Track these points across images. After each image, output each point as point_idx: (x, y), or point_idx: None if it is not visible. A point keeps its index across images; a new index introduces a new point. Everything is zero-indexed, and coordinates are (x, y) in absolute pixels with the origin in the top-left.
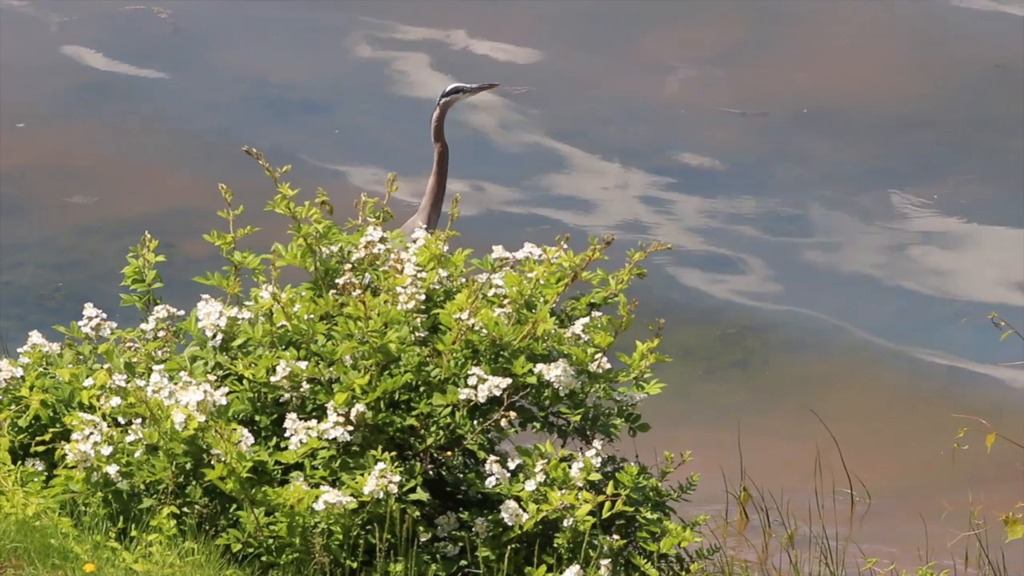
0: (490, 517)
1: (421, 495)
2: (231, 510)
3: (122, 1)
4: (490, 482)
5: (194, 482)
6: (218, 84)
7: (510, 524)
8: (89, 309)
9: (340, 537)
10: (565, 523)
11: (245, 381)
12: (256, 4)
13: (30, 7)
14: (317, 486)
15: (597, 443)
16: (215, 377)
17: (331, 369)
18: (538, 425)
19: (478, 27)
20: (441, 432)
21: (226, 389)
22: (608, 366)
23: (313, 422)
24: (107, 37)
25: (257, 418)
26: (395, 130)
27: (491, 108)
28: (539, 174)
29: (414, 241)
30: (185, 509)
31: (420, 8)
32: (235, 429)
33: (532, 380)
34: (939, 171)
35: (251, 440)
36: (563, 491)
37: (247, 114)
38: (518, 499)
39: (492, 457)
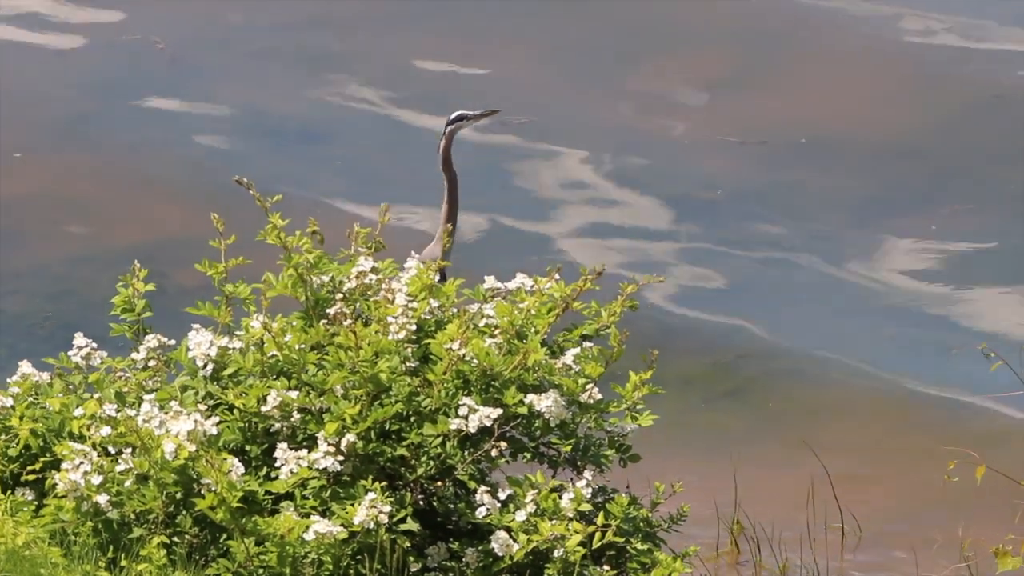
0: (480, 547)
1: (411, 525)
2: (221, 540)
3: (120, 31)
4: (480, 512)
5: (184, 512)
6: (215, 114)
7: (500, 554)
8: (79, 339)
9: (330, 567)
10: (555, 553)
11: (236, 411)
12: (254, 34)
13: (28, 36)
14: (307, 516)
15: (588, 474)
16: (206, 407)
17: (322, 399)
18: (529, 455)
19: (476, 57)
20: (432, 462)
21: (216, 419)
22: (599, 396)
23: (304, 452)
24: (104, 67)
25: (248, 448)
26: (396, 160)
27: (493, 138)
28: (529, 201)
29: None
30: (175, 539)
31: (420, 38)
32: (225, 459)
33: (523, 410)
34: (936, 201)
35: (241, 470)
36: (553, 521)
37: (244, 144)
38: (508, 529)
39: (483, 487)
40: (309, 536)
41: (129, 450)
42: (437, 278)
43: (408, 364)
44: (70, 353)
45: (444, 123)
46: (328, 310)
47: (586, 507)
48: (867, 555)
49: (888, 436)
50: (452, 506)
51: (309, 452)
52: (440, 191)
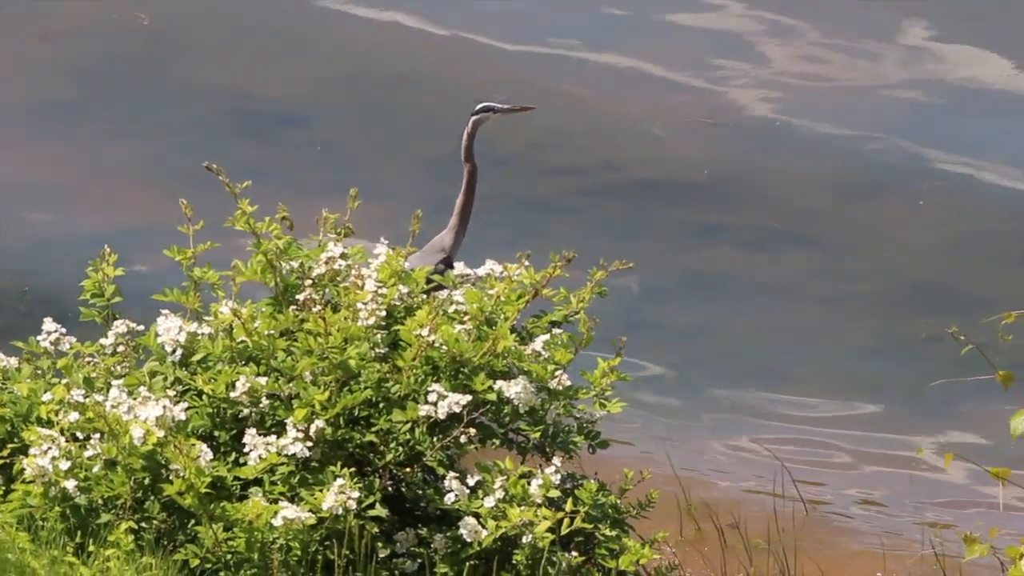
0: (449, 533)
1: (380, 511)
2: (189, 525)
3: (107, 9)
4: (449, 498)
5: (152, 497)
6: (194, 97)
7: (469, 540)
8: (48, 323)
9: (299, 553)
10: (524, 540)
11: (204, 396)
12: (241, 11)
13: (6, 17)
14: (276, 502)
15: (557, 460)
16: (174, 392)
17: (291, 385)
18: (498, 442)
19: (447, 36)
20: (400, 448)
21: (185, 404)
22: (568, 383)
23: (272, 438)
24: (82, 49)
25: (216, 433)
26: (376, 146)
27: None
28: (505, 188)
29: (446, 260)
30: (143, 524)
31: (401, 21)
32: (194, 444)
33: (492, 397)
34: (907, 182)
35: (210, 455)
36: (522, 508)
37: (223, 128)
38: (477, 515)
39: (451, 474)
40: (277, 522)
41: (97, 436)
42: (443, 268)
43: (377, 350)
44: (39, 338)
45: (468, 113)
46: (297, 296)
47: (555, 493)
48: (833, 539)
49: (861, 424)
50: (421, 492)
51: (278, 438)
52: (459, 180)
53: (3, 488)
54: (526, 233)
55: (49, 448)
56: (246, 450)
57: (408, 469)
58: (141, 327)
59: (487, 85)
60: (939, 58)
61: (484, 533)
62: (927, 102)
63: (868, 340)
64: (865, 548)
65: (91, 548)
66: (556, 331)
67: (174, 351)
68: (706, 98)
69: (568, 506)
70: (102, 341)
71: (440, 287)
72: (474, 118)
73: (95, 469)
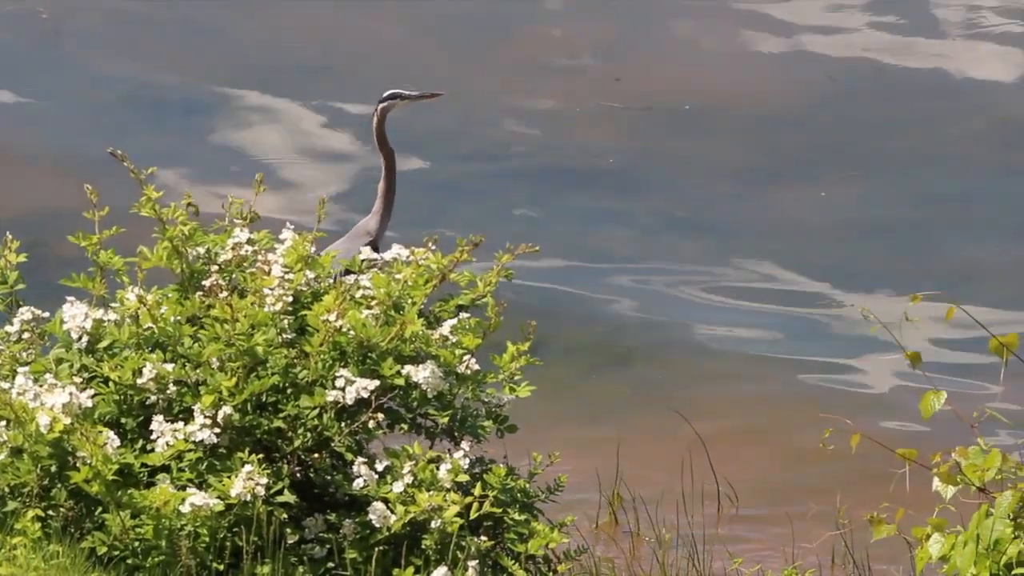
0: (358, 519)
1: (288, 497)
2: (97, 513)
3: (3, 2)
4: (358, 484)
5: (59, 485)
6: (98, 85)
7: (378, 526)
8: None
9: (207, 539)
10: (433, 524)
11: (111, 383)
12: (141, 4)
13: None
14: (184, 488)
15: (465, 444)
16: (81, 379)
17: (198, 371)
18: (406, 427)
19: (350, 29)
20: (309, 434)
21: (92, 391)
22: (476, 367)
23: (180, 424)
24: None
25: (123, 420)
26: (279, 134)
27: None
28: (413, 172)
29: (371, 244)
30: (50, 512)
31: (297, 11)
32: (101, 431)
33: (400, 382)
34: (820, 168)
35: (117, 442)
36: (431, 493)
37: (129, 116)
38: (386, 501)
39: (360, 459)
40: (185, 508)
41: (3, 423)
42: (369, 251)
43: (284, 336)
44: None
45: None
46: (204, 282)
47: (463, 478)
48: (744, 524)
49: (767, 405)
50: (329, 478)
51: (185, 424)
52: (378, 168)
53: None
54: (433, 217)
55: None
56: (153, 437)
57: (316, 455)
58: (46, 314)
59: (398, 72)
60: (866, 45)
61: (393, 518)
62: (843, 88)
63: (774, 323)
64: (776, 534)
65: None
66: (464, 315)
67: (80, 338)
68: (616, 83)
69: (477, 491)
70: (7, 328)
71: (348, 272)
72: (381, 105)
73: (1, 457)
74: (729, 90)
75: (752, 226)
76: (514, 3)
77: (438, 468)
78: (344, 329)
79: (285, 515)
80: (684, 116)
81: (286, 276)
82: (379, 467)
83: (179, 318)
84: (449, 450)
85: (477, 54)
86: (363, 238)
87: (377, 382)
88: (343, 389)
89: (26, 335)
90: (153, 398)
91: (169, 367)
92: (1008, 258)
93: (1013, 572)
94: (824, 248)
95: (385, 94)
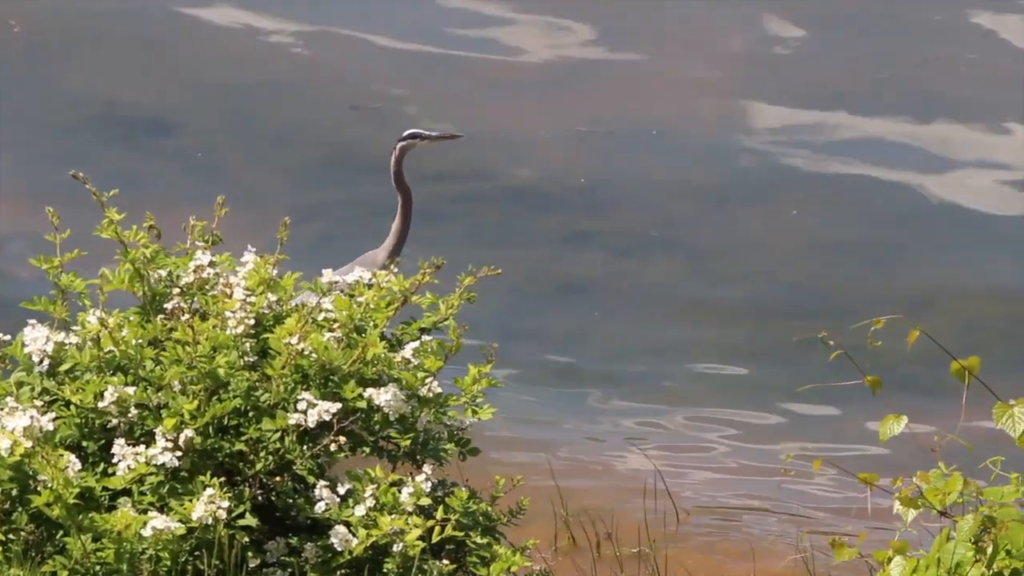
0: (320, 542)
1: (250, 521)
2: (58, 536)
3: None
4: (320, 507)
5: (20, 508)
6: (63, 104)
7: (340, 549)
8: None
9: (168, 563)
10: (395, 548)
11: (72, 406)
12: (112, 20)
13: None
14: (145, 512)
15: (427, 468)
16: (42, 402)
17: (159, 394)
18: (368, 450)
19: (315, 41)
20: (271, 457)
21: (53, 414)
22: (439, 390)
23: (141, 447)
24: None
25: (84, 444)
26: (243, 153)
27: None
28: (376, 194)
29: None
30: (11, 536)
31: (266, 27)
32: (62, 455)
33: (362, 405)
34: (785, 189)
35: (78, 466)
36: (393, 516)
37: (92, 135)
38: (348, 524)
39: (322, 482)
40: (147, 532)
41: None
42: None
43: (246, 359)
44: None
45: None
46: (165, 305)
47: (425, 501)
48: (703, 547)
49: (734, 431)
50: (291, 501)
51: (147, 448)
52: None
53: None
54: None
55: None
56: (115, 460)
57: (278, 478)
58: (8, 337)
59: (358, 90)
60: (804, 67)
61: (355, 542)
62: (797, 109)
63: (739, 345)
64: (736, 555)
65: None
66: (426, 338)
67: (41, 361)
68: (582, 106)
69: (439, 514)
70: None
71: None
72: (401, 144)
73: None
74: (692, 114)
75: (721, 247)
76: (476, 28)
77: (400, 491)
78: (306, 352)
79: (247, 538)
80: (649, 139)
81: (248, 299)
82: (341, 490)
83: (141, 341)
84: (411, 473)
85: (439, 76)
86: (368, 267)
87: (339, 405)
88: (305, 412)
89: None
90: (115, 421)
91: (131, 390)
92: (971, 280)
93: None
94: (793, 268)
95: (405, 133)
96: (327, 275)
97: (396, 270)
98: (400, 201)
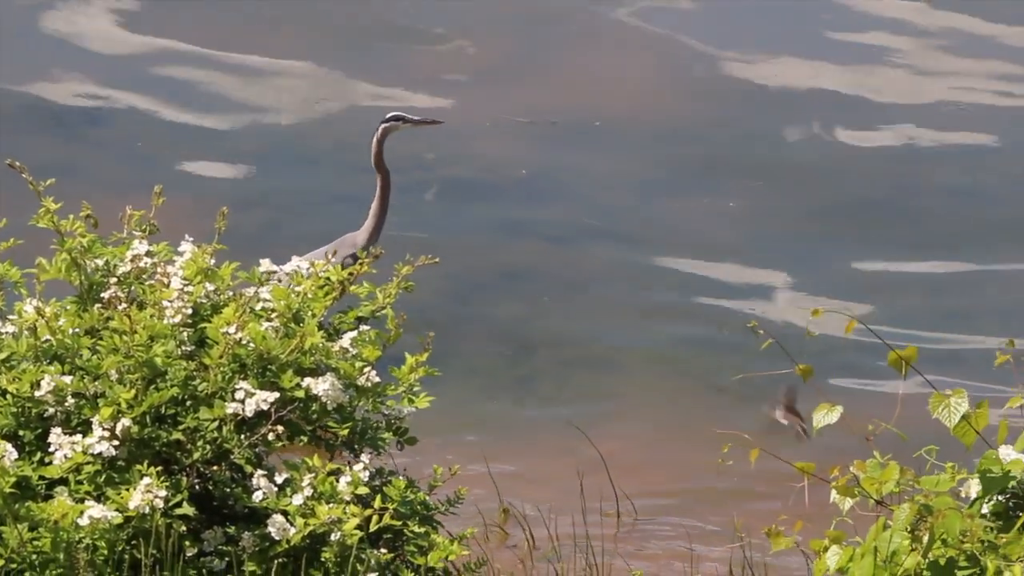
0: (257, 532)
1: (187, 510)
2: None
3: None
4: (257, 496)
5: None
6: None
7: (277, 538)
8: None
9: (105, 552)
10: (333, 537)
11: (9, 396)
12: (41, 11)
13: None
14: (82, 501)
15: (365, 457)
16: None
17: (96, 383)
18: (306, 439)
19: (248, 39)
20: (208, 446)
21: None
22: (377, 379)
23: (78, 437)
24: None
25: (21, 433)
26: (180, 142)
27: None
28: (316, 184)
29: (353, 256)
30: None
31: (202, 17)
32: None
33: (300, 394)
34: (726, 181)
35: (15, 455)
36: (331, 505)
37: (27, 126)
38: (285, 513)
39: (259, 471)
40: (83, 521)
41: None
42: (350, 262)
43: (184, 348)
44: None
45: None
46: (102, 294)
47: (363, 490)
48: (642, 537)
49: (671, 421)
50: (229, 490)
51: (84, 437)
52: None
53: None
54: (337, 229)
55: None
56: (51, 449)
57: (216, 467)
58: None
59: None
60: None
61: (292, 531)
62: (731, 101)
63: (675, 334)
64: (674, 549)
65: None
66: (364, 327)
67: None
68: (522, 97)
69: (377, 503)
70: None
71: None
72: (384, 126)
73: None
74: (636, 107)
75: (659, 237)
76: (418, 15)
77: (338, 480)
78: (244, 341)
79: (184, 528)
80: (592, 130)
81: (185, 288)
82: (279, 480)
83: (78, 330)
84: (349, 462)
85: (378, 65)
86: (347, 249)
87: (277, 394)
88: (243, 401)
89: None
90: (51, 410)
91: (67, 379)
92: (910, 270)
93: None
94: (730, 259)
95: (388, 115)
96: (264, 264)
97: (334, 260)
98: (379, 183)
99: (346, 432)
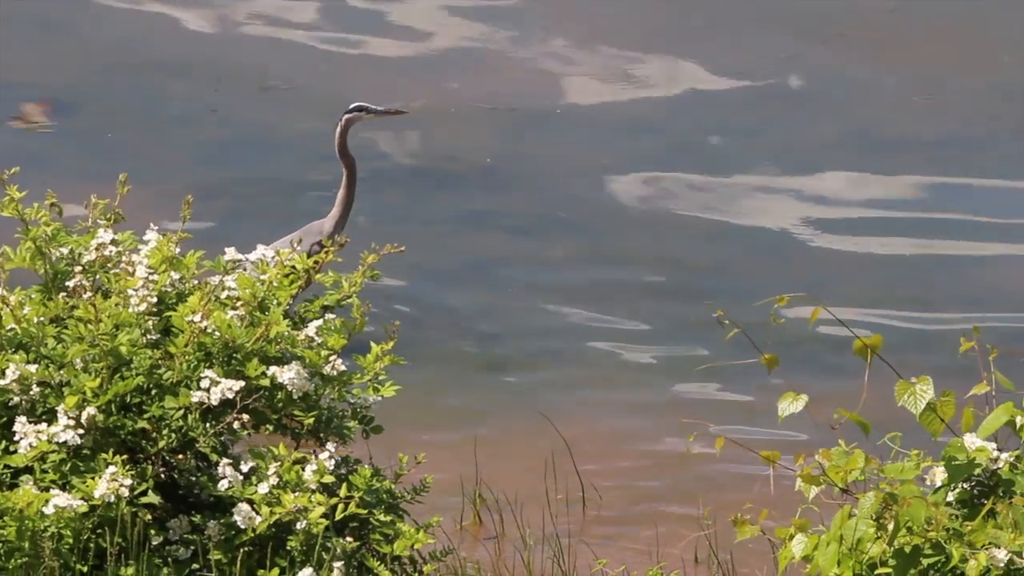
0: (223, 520)
1: (152, 498)
2: None
3: None
4: (223, 485)
5: None
6: None
7: (243, 527)
8: None
9: (70, 541)
10: (298, 526)
11: None
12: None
13: None
14: (47, 490)
15: (331, 446)
16: None
17: (62, 372)
18: (271, 428)
19: (211, 24)
20: (173, 435)
21: None
22: (343, 368)
23: (43, 425)
24: None
25: None
26: (145, 132)
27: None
28: (280, 173)
29: (320, 244)
30: None
31: (163, 10)
32: None
33: (265, 383)
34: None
35: None
36: (296, 494)
37: None
38: (251, 502)
39: (225, 460)
40: (49, 510)
41: None
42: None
43: (149, 337)
44: None
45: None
46: (67, 283)
47: (329, 479)
48: (608, 525)
49: (635, 410)
50: (194, 479)
51: (49, 426)
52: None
53: None
54: (300, 218)
55: None
56: (16, 438)
57: (181, 456)
58: None
59: (254, 72)
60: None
61: (258, 519)
62: (689, 95)
63: (639, 325)
64: (640, 536)
65: None
66: (329, 316)
67: None
68: (483, 84)
69: (342, 492)
70: None
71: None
72: (347, 116)
73: None
74: (597, 98)
75: (626, 226)
76: (380, 5)
77: (304, 469)
78: (209, 330)
79: (149, 516)
80: (552, 117)
81: (150, 277)
82: (244, 468)
83: (42, 319)
84: (315, 451)
85: (343, 55)
86: (313, 236)
87: (242, 383)
88: (208, 390)
89: None
90: (16, 399)
91: (32, 368)
92: (873, 257)
93: (876, 572)
94: (697, 248)
95: (351, 106)
96: (229, 253)
97: (300, 248)
98: (345, 172)
99: (312, 421)
